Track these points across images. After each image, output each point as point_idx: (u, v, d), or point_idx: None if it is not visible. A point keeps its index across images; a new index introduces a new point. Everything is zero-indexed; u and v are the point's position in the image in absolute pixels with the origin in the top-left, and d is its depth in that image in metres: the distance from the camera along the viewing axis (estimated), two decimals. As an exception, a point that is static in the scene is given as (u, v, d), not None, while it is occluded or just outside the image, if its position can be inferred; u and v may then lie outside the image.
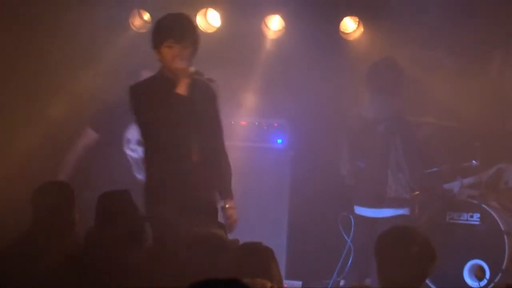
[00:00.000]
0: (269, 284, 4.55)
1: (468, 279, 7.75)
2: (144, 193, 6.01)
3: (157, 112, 5.85)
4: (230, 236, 5.73)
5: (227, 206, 6.10)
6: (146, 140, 6.08)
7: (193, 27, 6.14)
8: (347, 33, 8.71)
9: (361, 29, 8.67)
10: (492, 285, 7.62)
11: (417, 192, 7.87)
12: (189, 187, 5.88)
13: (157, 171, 5.95)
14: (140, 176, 7.73)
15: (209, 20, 8.74)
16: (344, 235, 7.96)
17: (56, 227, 5.56)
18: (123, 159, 8.13)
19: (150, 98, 5.91)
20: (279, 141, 8.72)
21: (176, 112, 5.84)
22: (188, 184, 5.88)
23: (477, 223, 7.85)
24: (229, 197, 6.14)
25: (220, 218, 6.09)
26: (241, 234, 5.58)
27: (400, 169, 7.74)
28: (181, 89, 5.89)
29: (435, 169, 8.06)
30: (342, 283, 8.08)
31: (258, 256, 4.80)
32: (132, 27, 8.73)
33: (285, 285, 8.16)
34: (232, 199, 6.16)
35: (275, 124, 8.75)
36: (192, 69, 5.92)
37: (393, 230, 4.73)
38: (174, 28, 5.95)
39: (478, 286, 7.67)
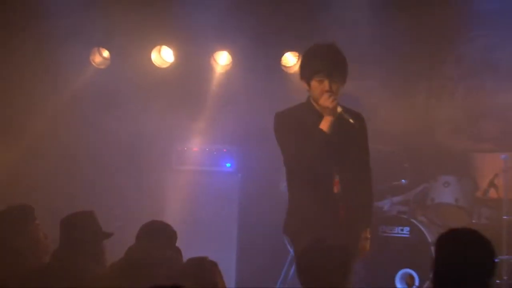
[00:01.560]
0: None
1: (399, 287, 7.87)
2: (286, 223, 5.62)
3: (300, 144, 5.39)
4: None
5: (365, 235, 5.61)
6: (288, 170, 5.60)
7: (344, 60, 5.50)
8: (288, 67, 8.73)
9: (302, 63, 8.77)
10: (421, 291, 7.75)
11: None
12: (332, 219, 5.44)
13: (299, 200, 5.53)
14: None
15: (163, 56, 8.77)
16: (288, 246, 7.99)
17: (18, 247, 5.47)
18: None
19: (295, 130, 5.44)
20: (228, 165, 8.71)
21: (317, 147, 5.34)
22: (332, 216, 5.44)
23: (407, 235, 7.96)
24: (367, 227, 5.63)
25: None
26: (191, 251, 5.24)
27: None
28: (326, 125, 5.36)
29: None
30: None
31: (203, 269, 4.68)
32: (93, 64, 8.75)
33: (236, 295, 8.18)
34: (367, 229, 5.62)
35: (224, 150, 8.72)
36: (339, 108, 5.40)
37: (313, 244, 4.66)
38: (327, 63, 5.41)
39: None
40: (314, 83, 5.42)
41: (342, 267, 4.49)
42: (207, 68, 8.80)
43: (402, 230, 8.00)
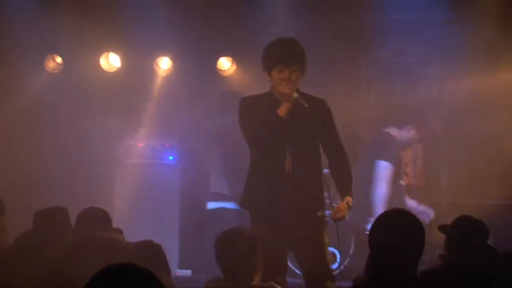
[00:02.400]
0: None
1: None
2: (242, 197, 5.73)
3: (258, 127, 5.50)
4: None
5: (344, 201, 5.63)
6: (249, 149, 5.70)
7: (302, 51, 5.60)
8: (223, 70, 9.01)
9: (235, 67, 9.00)
10: (342, 267, 8.00)
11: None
12: (281, 196, 5.52)
13: (254, 177, 5.65)
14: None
15: (110, 61, 8.96)
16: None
17: None
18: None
19: (254, 113, 5.56)
20: (171, 158, 8.92)
21: (273, 130, 5.47)
22: (280, 193, 5.53)
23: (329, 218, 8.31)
24: (347, 195, 5.65)
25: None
26: (139, 235, 5.22)
27: None
28: (283, 110, 5.48)
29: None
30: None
31: (148, 250, 4.78)
32: (47, 69, 8.92)
33: (178, 274, 8.40)
34: (349, 197, 5.64)
35: (167, 145, 8.93)
36: (295, 94, 5.50)
37: (230, 230, 4.61)
38: (285, 54, 5.51)
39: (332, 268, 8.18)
40: (274, 73, 5.52)
41: (249, 256, 4.47)
42: (151, 72, 9.00)
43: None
